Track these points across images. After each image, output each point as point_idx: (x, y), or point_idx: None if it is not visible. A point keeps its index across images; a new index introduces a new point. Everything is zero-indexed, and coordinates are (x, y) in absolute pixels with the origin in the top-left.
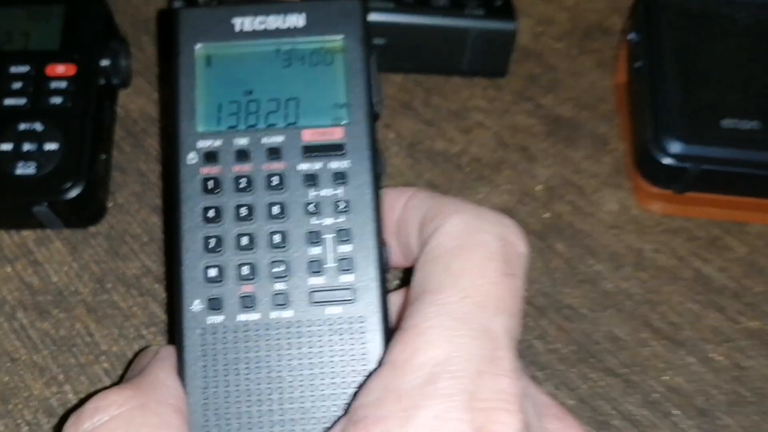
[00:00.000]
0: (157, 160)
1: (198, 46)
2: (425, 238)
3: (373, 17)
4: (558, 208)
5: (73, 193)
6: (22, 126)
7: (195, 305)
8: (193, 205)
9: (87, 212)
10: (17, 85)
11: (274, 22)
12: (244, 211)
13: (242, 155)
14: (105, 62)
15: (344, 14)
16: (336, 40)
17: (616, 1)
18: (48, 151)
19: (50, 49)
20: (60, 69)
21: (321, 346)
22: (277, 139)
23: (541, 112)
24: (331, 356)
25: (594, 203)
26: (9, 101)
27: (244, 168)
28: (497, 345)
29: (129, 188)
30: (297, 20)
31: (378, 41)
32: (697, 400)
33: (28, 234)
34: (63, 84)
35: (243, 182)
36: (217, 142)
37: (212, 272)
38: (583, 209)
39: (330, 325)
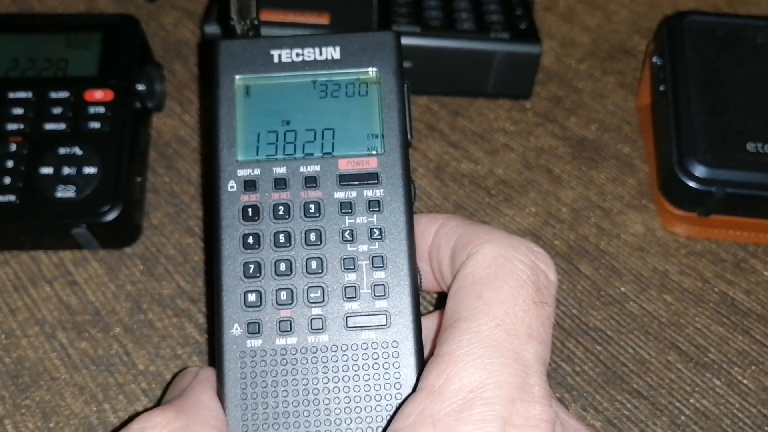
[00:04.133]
0: (189, 181)
1: (237, 77)
2: (457, 265)
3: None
4: (583, 230)
5: (112, 215)
6: (62, 150)
7: (234, 329)
8: (232, 231)
9: (123, 234)
10: (57, 111)
11: (310, 54)
12: (282, 238)
13: (280, 183)
14: (141, 87)
15: (378, 46)
16: (370, 72)
17: (638, 22)
18: (87, 174)
19: (88, 75)
20: (98, 94)
21: (356, 370)
22: (314, 168)
23: (566, 134)
24: (366, 380)
25: (619, 225)
26: (49, 126)
27: (282, 196)
28: (529, 372)
29: (163, 209)
30: (332, 53)
31: (404, 64)
32: (723, 422)
33: (65, 254)
34: (101, 109)
35: (281, 210)
36: (256, 171)
37: (251, 297)
38: (608, 231)
39: (365, 349)
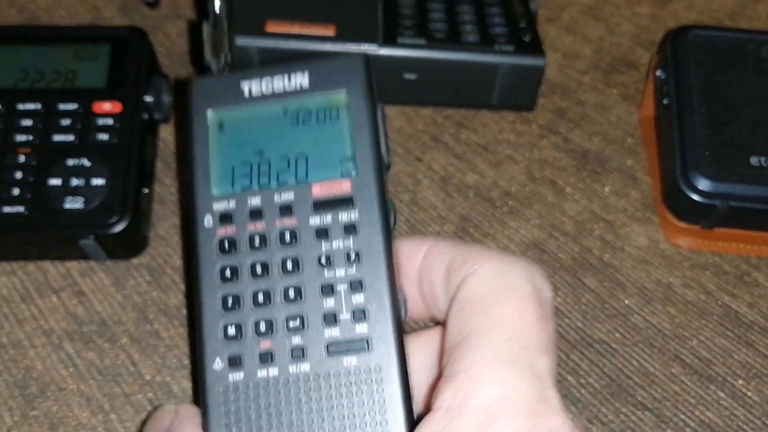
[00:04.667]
0: None
1: (210, 112)
2: (453, 287)
3: (405, 53)
4: (587, 242)
5: (119, 227)
6: (71, 162)
7: (216, 363)
8: (210, 266)
9: (131, 245)
10: (66, 122)
11: (279, 83)
12: (259, 269)
13: (255, 214)
14: (148, 98)
15: (347, 70)
16: (339, 94)
17: (640, 35)
18: (95, 186)
19: (97, 87)
20: (106, 106)
21: (339, 398)
22: (288, 197)
23: (569, 146)
24: (350, 407)
25: (623, 238)
26: (58, 137)
27: (258, 226)
28: (545, 385)
29: (169, 220)
30: (302, 79)
31: (409, 76)
32: None
33: (72, 265)
34: (109, 121)
35: (257, 240)
36: (231, 204)
37: (231, 330)
38: (612, 244)
39: (347, 375)
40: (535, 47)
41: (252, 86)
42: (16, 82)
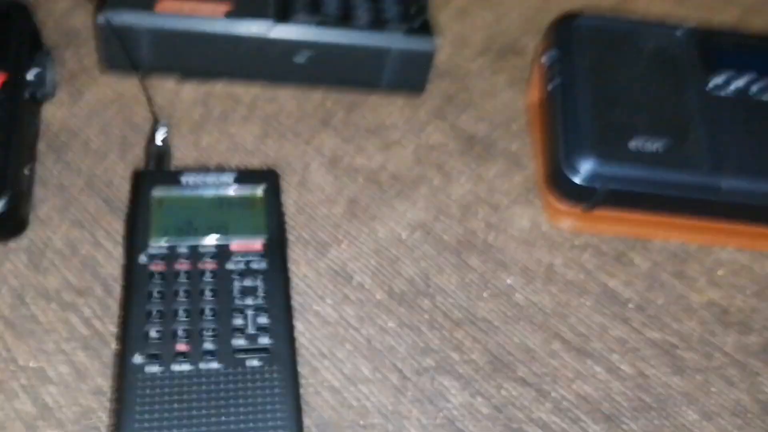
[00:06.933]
0: (79, 174)
1: (153, 192)
2: None
3: (297, 33)
4: (472, 224)
5: None
6: None
7: (136, 358)
8: (141, 289)
9: (9, 226)
10: None
11: (211, 179)
12: (182, 293)
13: (182, 256)
14: (30, 75)
15: (265, 177)
16: (258, 190)
17: (528, 22)
18: None
19: None
20: None
21: (243, 390)
22: (210, 249)
23: (456, 131)
24: (252, 397)
25: (506, 220)
26: None
27: (183, 265)
28: None
29: (50, 202)
30: (228, 179)
31: (300, 59)
32: (603, 406)
33: None
34: None
35: (182, 274)
36: (163, 249)
37: (153, 334)
38: (496, 226)
39: (251, 374)
40: (426, 32)
41: (189, 179)
42: None
